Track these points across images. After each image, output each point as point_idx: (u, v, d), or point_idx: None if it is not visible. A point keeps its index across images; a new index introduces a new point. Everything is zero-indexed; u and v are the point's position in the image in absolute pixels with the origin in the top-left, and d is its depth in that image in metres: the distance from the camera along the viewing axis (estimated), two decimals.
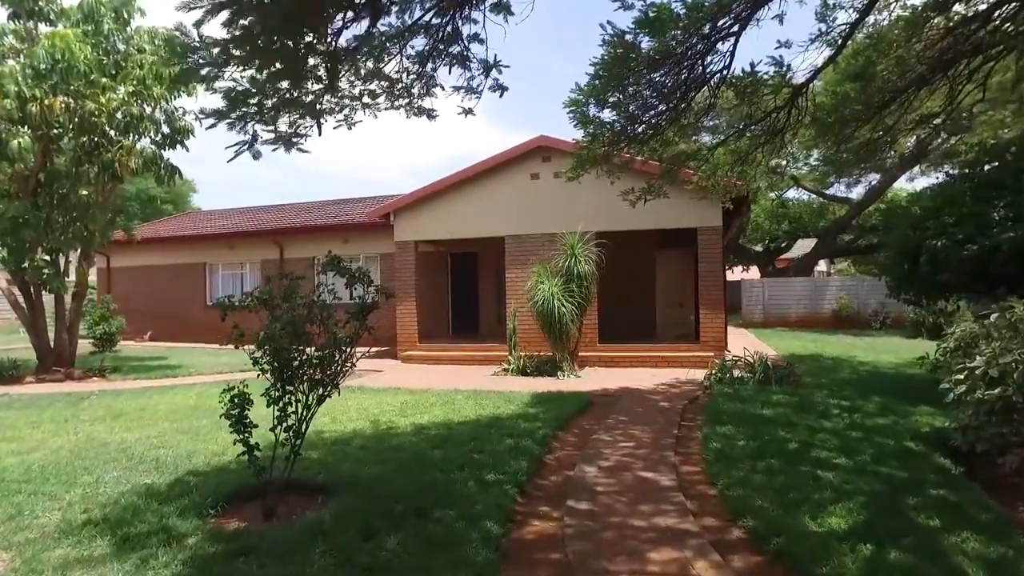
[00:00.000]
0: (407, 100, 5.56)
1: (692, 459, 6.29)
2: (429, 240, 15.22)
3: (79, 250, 13.06)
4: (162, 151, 12.54)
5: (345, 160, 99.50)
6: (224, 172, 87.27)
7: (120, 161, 11.55)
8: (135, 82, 11.20)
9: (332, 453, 6.40)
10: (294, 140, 5.03)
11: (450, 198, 14.50)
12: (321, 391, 5.06)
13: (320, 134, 5.16)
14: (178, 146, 12.69)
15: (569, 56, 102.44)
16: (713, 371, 10.95)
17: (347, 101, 5.04)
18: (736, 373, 10.73)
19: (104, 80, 11.05)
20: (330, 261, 5.29)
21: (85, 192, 11.87)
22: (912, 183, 31.85)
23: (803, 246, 33.49)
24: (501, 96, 5.73)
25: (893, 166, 23.33)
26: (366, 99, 5.11)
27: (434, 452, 6.28)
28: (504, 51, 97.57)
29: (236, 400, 4.85)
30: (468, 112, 5.70)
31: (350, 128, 5.29)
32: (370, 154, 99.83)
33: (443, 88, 5.56)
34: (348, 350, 5.11)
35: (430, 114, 5.69)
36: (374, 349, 16.69)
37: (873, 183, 26.61)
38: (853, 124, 9.64)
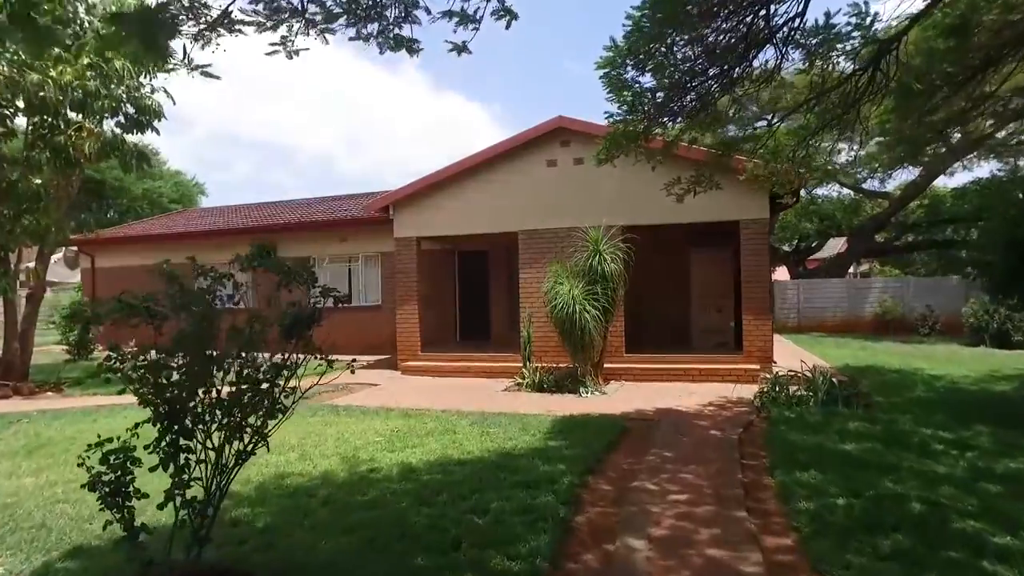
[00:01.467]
0: (379, 25, 3.93)
1: (775, 524, 4.58)
2: (433, 237, 13.60)
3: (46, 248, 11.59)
4: (127, 134, 11.00)
5: (360, 163, 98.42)
6: (238, 175, 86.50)
7: (75, 145, 10.00)
8: (91, 54, 9.66)
9: (285, 513, 4.77)
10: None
11: (456, 189, 12.87)
12: (243, 443, 3.43)
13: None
14: (148, 130, 11.15)
15: (581, 56, 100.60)
16: (764, 388, 9.23)
17: (284, 15, 3.41)
18: (792, 390, 9.02)
19: (57, 51, 9.50)
20: (254, 253, 3.65)
21: (38, 181, 10.34)
22: (951, 178, 29.89)
23: (831, 246, 31.54)
24: (508, 27, 4.12)
25: (960, 150, 21.08)
26: (314, 14, 3.47)
27: (421, 513, 4.63)
28: (515, 51, 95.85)
29: (113, 461, 3.22)
30: (462, 50, 4.09)
31: (289, 57, 3.66)
32: (382, 155, 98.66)
33: (428, 11, 3.94)
34: (283, 383, 3.47)
35: (411, 47, 4.04)
36: (373, 358, 15.12)
37: (914, 178, 24.66)
38: (943, 91, 7.91)
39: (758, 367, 11.02)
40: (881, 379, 10.79)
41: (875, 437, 6.73)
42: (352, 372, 4.30)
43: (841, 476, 5.33)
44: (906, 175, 25.64)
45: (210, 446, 3.36)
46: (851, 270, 35.16)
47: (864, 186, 28.15)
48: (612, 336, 11.30)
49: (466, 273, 15.80)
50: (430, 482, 5.37)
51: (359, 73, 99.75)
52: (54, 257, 26.56)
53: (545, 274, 11.58)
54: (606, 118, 7.19)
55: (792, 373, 9.63)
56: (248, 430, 3.44)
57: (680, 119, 7.56)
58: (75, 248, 19.97)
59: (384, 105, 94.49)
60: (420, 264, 13.22)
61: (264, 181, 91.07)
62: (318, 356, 3.62)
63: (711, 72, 7.24)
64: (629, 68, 6.69)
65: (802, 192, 26.58)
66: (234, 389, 3.38)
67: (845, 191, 29.36)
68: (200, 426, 3.29)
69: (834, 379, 8.91)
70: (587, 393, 10.14)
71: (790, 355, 13.71)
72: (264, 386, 3.45)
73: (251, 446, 3.47)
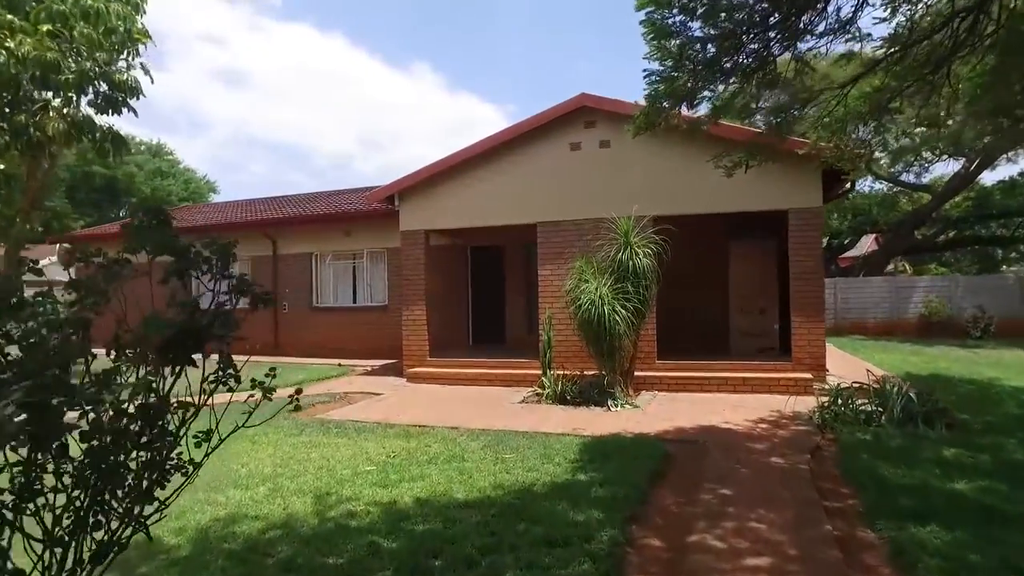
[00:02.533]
0: None
1: None
2: (443, 230, 12.37)
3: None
4: (102, 114, 9.88)
5: (376, 163, 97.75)
6: (255, 176, 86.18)
7: (37, 125, 8.87)
8: (52, 21, 8.53)
9: None
10: None
11: (468, 176, 11.62)
12: (103, 533, 2.19)
13: None
14: (124, 110, 10.05)
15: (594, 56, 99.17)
16: (824, 401, 7.90)
17: None
18: (858, 404, 7.69)
19: (11, 18, 8.39)
20: (137, 226, 2.40)
21: (1, 167, 9.23)
22: (992, 171, 28.11)
23: (860, 244, 29.91)
24: None
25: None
26: None
27: None
28: (527, 52, 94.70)
29: None
30: None
31: None
32: (398, 155, 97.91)
33: None
34: (172, 438, 2.23)
35: None
36: (378, 363, 13.93)
37: (958, 169, 23.02)
38: None
39: (810, 376, 9.66)
40: (954, 391, 9.38)
41: (985, 471, 5.39)
42: (296, 407, 3.05)
43: (977, 535, 4.00)
44: (947, 167, 24.05)
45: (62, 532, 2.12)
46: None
47: (901, 179, 26.56)
48: (643, 340, 9.99)
49: (479, 271, 14.55)
50: (426, 536, 4.12)
51: (374, 74, 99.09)
52: (48, 257, 25.74)
53: (567, 271, 10.31)
54: (645, 78, 5.90)
55: (856, 384, 8.27)
56: (118, 512, 2.20)
57: (733, 79, 6.26)
58: (68, 245, 18.97)
59: (399, 105, 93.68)
60: (428, 260, 11.99)
61: (281, 181, 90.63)
62: (229, 380, 2.38)
63: (772, 20, 5.97)
64: (676, 10, 5.41)
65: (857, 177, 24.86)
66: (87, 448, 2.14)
67: (879, 185, 27.81)
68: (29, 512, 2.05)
69: (911, 393, 7.53)
70: (617, 406, 8.84)
71: (837, 361, 12.32)
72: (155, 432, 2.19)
73: (120, 534, 2.23)
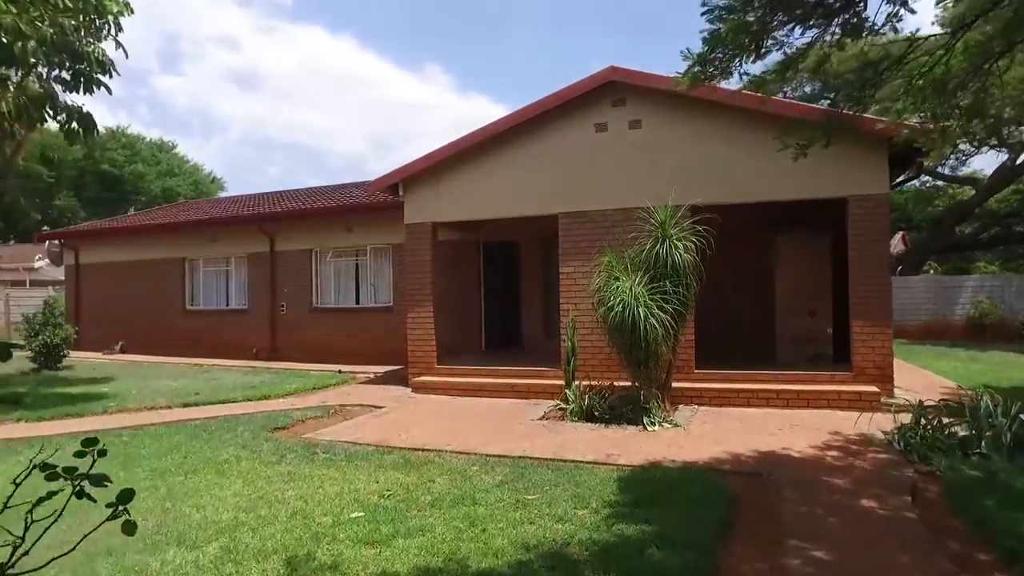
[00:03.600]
0: None
1: None
2: (452, 223, 11.14)
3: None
4: (71, 92, 8.75)
5: (388, 163, 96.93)
6: (269, 176, 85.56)
7: None
8: None
9: None
10: None
11: (481, 162, 10.40)
12: None
13: None
14: (94, 87, 8.94)
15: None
16: (904, 423, 6.60)
17: None
18: (944, 423, 6.41)
19: None
20: None
21: None
22: None
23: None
24: None
25: None
26: None
27: None
28: (538, 52, 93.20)
29: None
30: None
31: None
32: (410, 155, 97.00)
33: None
34: None
35: None
36: (382, 369, 12.73)
37: (1004, 161, 21.50)
38: None
39: (875, 390, 8.36)
40: None
41: None
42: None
43: None
44: (987, 160, 22.54)
45: None
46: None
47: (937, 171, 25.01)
48: (681, 347, 8.71)
49: (492, 269, 13.31)
50: None
51: (385, 75, 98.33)
52: (38, 256, 24.78)
53: (594, 268, 9.07)
54: (704, 14, 4.64)
55: (941, 400, 6.96)
56: None
57: (812, 23, 4.99)
58: (59, 242, 17.97)
59: (411, 106, 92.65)
60: (436, 256, 10.76)
61: (294, 182, 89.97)
62: None
63: None
64: None
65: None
66: None
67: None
68: None
69: (1022, 415, 6.21)
70: (654, 424, 7.58)
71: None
72: None
73: None
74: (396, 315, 13.20)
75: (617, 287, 7.89)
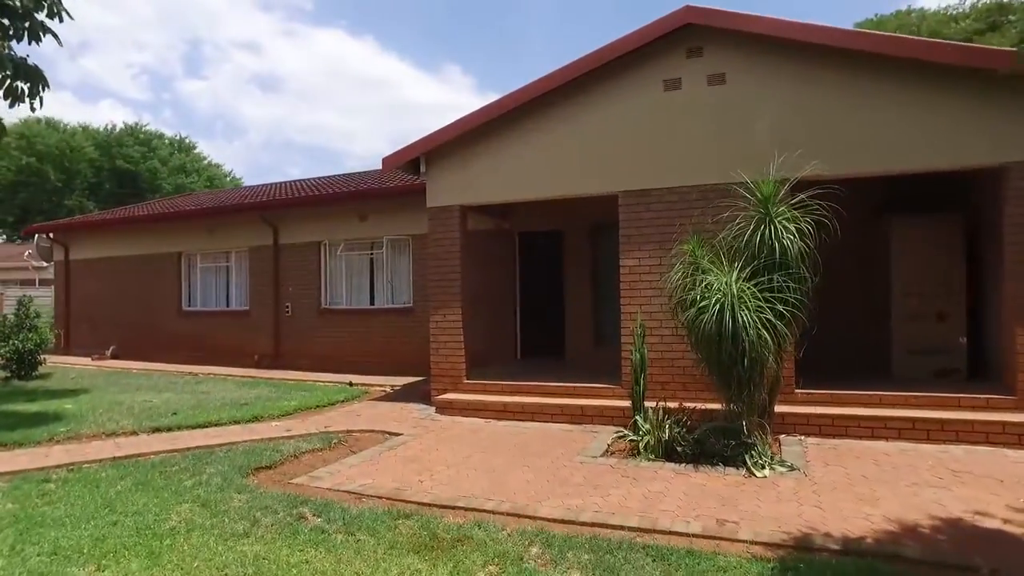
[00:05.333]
0: None
1: None
2: (484, 206, 9.26)
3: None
4: (11, 40, 7.02)
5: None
6: (289, 177, 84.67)
7: None
8: None
9: None
10: None
11: (519, 132, 8.50)
12: None
13: None
14: (40, 35, 7.26)
15: None
16: None
17: None
18: None
19: None
20: None
21: None
22: None
23: None
24: None
25: None
26: None
27: None
28: (548, 51, 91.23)
29: None
30: None
31: None
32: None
33: None
34: None
35: None
36: (400, 382, 10.87)
37: None
38: None
39: None
40: None
41: None
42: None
43: None
44: None
45: None
46: None
47: None
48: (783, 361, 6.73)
49: (530, 263, 11.40)
50: None
51: (405, 76, 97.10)
52: (28, 252, 23.32)
53: (664, 259, 7.19)
54: None
55: None
56: None
57: None
58: (48, 236, 16.39)
59: (431, 106, 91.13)
60: (465, 247, 8.87)
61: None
62: None
63: None
64: None
65: None
66: None
67: None
68: None
69: None
70: (762, 467, 5.62)
71: None
72: None
73: None
74: (416, 318, 11.36)
75: (709, 283, 5.94)
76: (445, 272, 8.80)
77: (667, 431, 6.21)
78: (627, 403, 7.13)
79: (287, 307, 13.02)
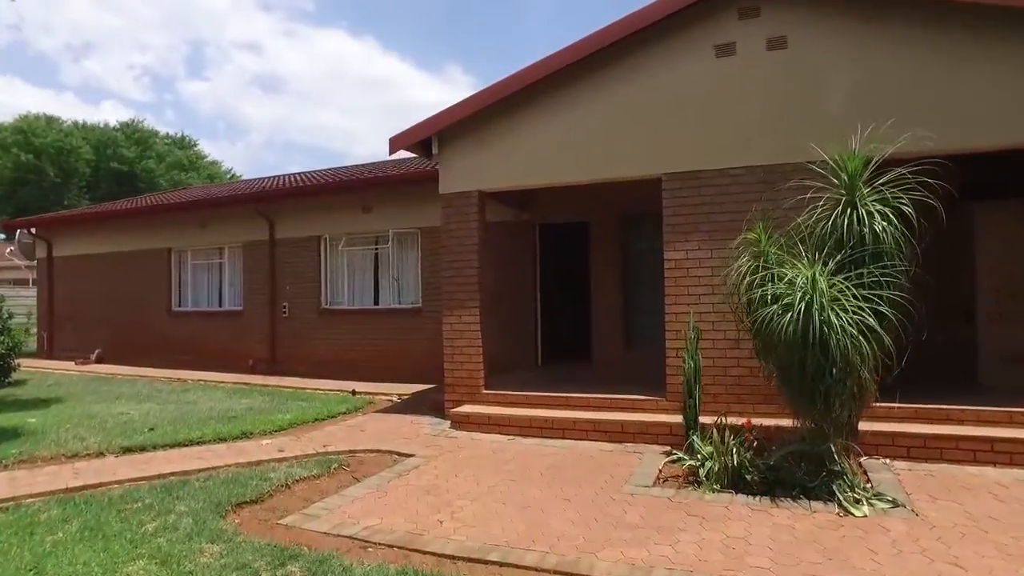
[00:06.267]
0: None
1: None
2: (504, 192, 8.24)
3: None
4: None
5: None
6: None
7: None
8: None
9: None
10: None
11: (544, 108, 7.46)
12: None
13: None
14: None
15: None
16: None
17: None
18: None
19: None
20: None
21: None
22: None
23: None
24: None
25: None
26: None
27: None
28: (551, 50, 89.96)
29: None
30: None
31: None
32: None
33: None
34: None
35: None
36: (408, 390, 9.75)
37: None
38: None
39: None
40: None
41: None
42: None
43: None
44: None
45: None
46: None
47: None
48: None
49: (552, 258, 10.35)
50: None
51: (407, 76, 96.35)
52: (10, 249, 22.32)
53: (717, 251, 6.19)
54: None
55: None
56: None
57: None
58: (30, 231, 15.39)
59: (433, 106, 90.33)
60: (483, 239, 7.83)
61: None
62: None
63: None
64: None
65: None
66: None
67: None
68: None
69: None
70: (859, 503, 4.57)
71: None
72: None
73: None
74: (426, 319, 10.34)
75: (791, 279, 4.90)
76: (460, 267, 7.76)
77: (735, 455, 5.16)
78: (676, 419, 6.11)
79: (284, 307, 11.98)
